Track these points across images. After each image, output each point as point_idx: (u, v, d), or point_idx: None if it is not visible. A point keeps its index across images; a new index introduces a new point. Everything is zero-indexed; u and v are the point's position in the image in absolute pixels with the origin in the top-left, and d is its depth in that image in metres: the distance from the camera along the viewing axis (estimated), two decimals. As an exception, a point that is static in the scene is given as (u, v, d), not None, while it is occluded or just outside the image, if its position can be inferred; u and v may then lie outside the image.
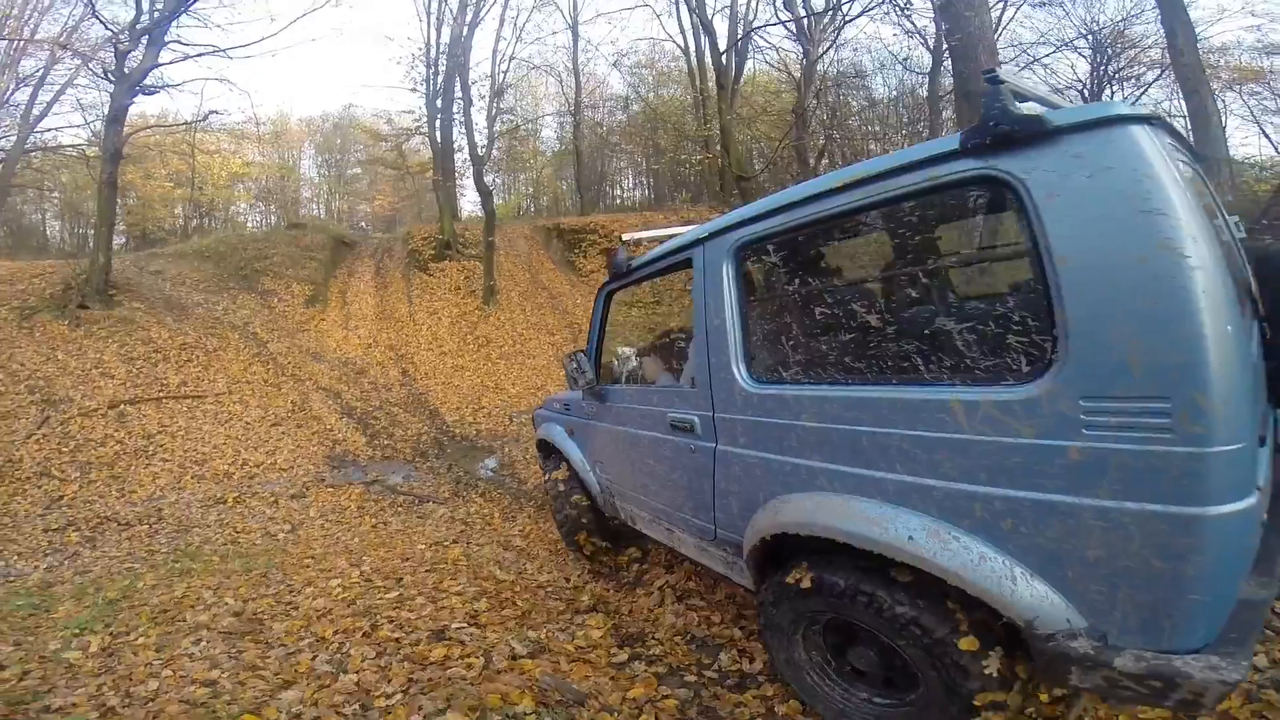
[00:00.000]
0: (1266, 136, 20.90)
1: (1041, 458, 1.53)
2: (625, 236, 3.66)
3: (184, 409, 10.38)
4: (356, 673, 2.56)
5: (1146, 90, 19.38)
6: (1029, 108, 1.64)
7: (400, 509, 7.77)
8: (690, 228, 2.72)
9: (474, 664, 2.54)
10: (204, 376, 11.41)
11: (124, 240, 26.08)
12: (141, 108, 26.63)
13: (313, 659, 2.81)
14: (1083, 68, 20.18)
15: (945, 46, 16.44)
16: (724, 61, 10.75)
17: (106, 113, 12.62)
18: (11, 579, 5.93)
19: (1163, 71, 18.00)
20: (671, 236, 2.34)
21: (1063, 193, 1.49)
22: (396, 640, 2.88)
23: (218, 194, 27.80)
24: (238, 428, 10.23)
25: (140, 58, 12.23)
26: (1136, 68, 18.79)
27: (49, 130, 21.33)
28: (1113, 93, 19.70)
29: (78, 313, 11.79)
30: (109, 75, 12.43)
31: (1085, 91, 19.57)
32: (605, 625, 3.11)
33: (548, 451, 4.58)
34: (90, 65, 13.29)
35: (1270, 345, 1.85)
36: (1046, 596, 1.58)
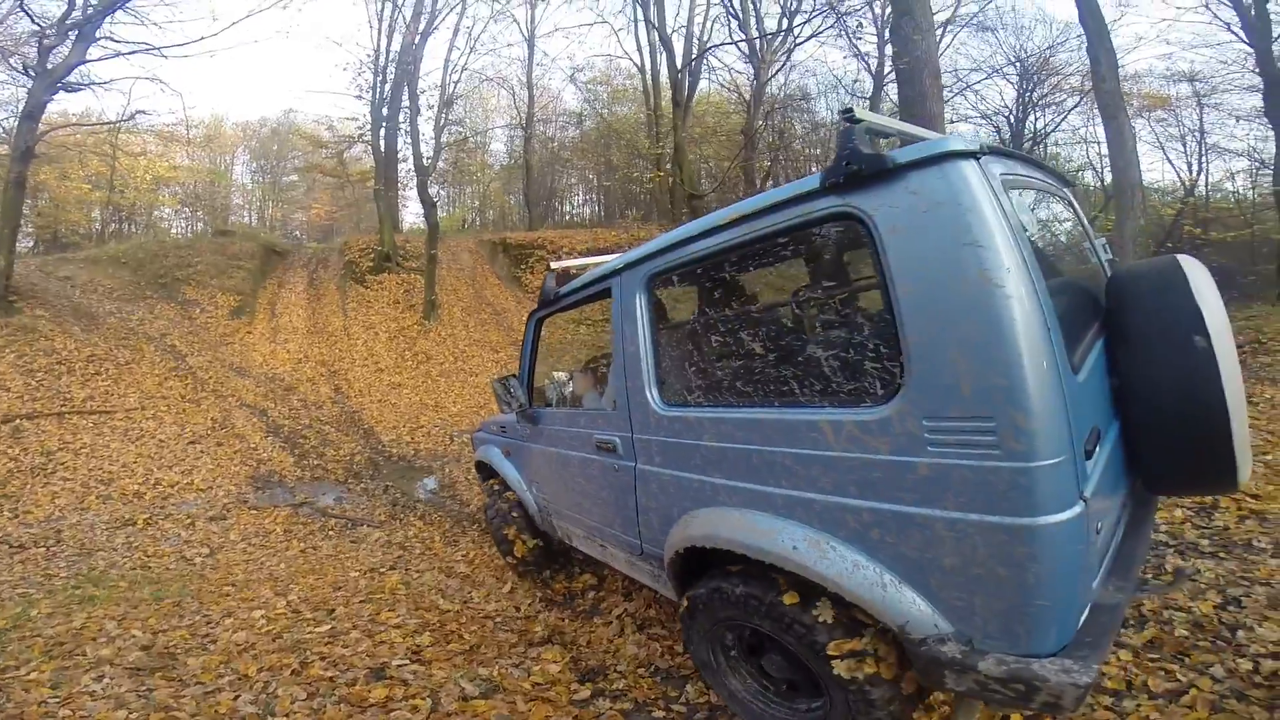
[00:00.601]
0: (1170, 162, 22.78)
1: (897, 473, 1.66)
2: (553, 265, 3.73)
3: (89, 425, 9.51)
4: (285, 716, 2.28)
5: (1066, 117, 21.07)
6: (887, 144, 1.77)
7: (331, 533, 7.27)
8: (611, 257, 2.83)
9: (420, 706, 2.29)
10: (114, 391, 10.52)
11: (32, 243, 24.08)
12: (61, 105, 24.85)
13: (235, 699, 2.50)
14: (1010, 94, 21.68)
15: (890, 71, 17.27)
16: (680, 79, 10.82)
17: (21, 109, 11.64)
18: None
19: (1081, 98, 19.54)
20: (597, 264, 2.38)
21: (903, 227, 1.62)
22: (330, 679, 2.59)
23: (139, 197, 26.01)
24: (150, 445, 9.45)
25: (67, 53, 11.39)
26: (1058, 94, 20.24)
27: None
28: (1036, 118, 21.28)
29: (-31, 319, 10.73)
30: (29, 70, 11.49)
31: (1011, 117, 21.01)
32: (563, 659, 2.90)
33: (487, 474, 4.69)
34: (9, 60, 12.29)
35: (1115, 362, 2.00)
36: (914, 603, 1.69)
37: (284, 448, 10.14)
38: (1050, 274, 1.70)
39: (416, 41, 15.88)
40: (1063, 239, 2.19)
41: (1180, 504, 3.59)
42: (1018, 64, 19.25)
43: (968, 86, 18.89)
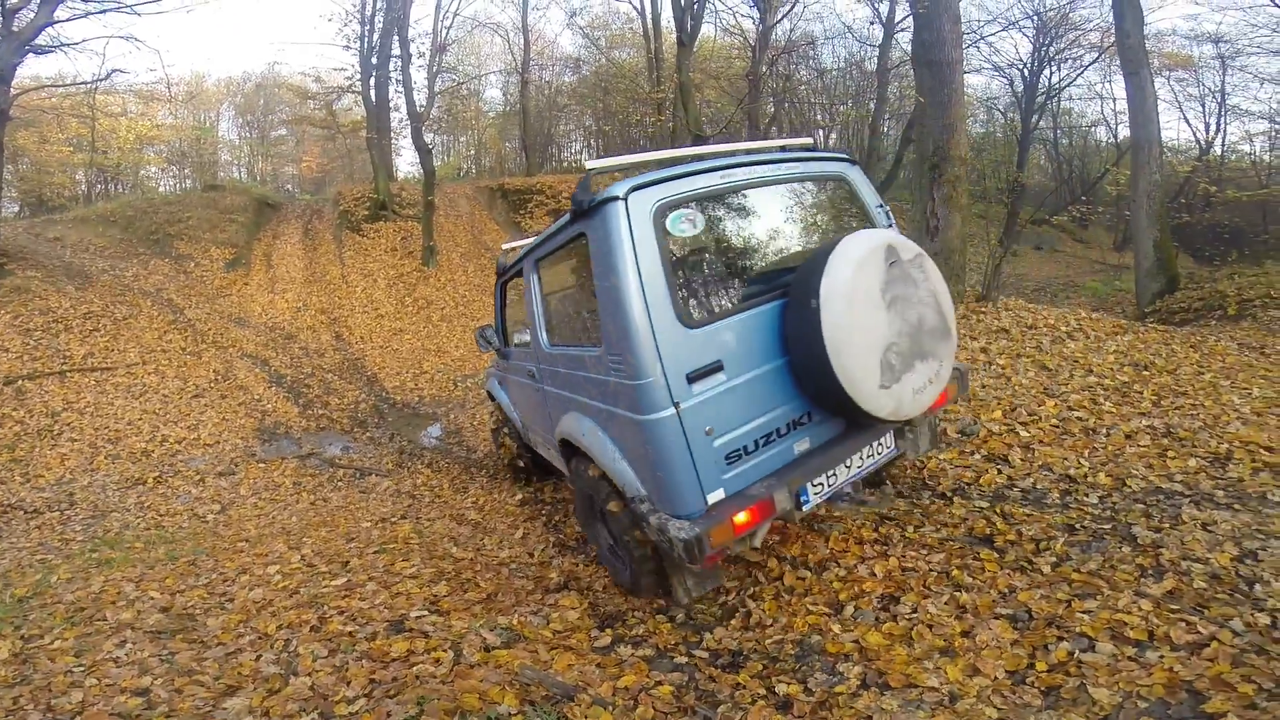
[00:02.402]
0: (1187, 121, 22.30)
1: (608, 386, 2.58)
2: (504, 246, 5.01)
3: (91, 383, 9.47)
4: (309, 675, 2.28)
5: (1083, 72, 20.38)
6: (614, 186, 2.45)
7: (340, 483, 7.32)
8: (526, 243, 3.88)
9: (443, 659, 2.29)
10: (113, 347, 10.43)
11: (17, 208, 23.54)
12: (35, 69, 23.74)
13: (256, 659, 2.51)
14: (1026, 47, 20.94)
15: (902, 19, 16.56)
16: (683, 17, 10.28)
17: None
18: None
19: (1100, 54, 19.05)
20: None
21: (595, 243, 2.49)
22: (350, 634, 2.60)
23: (124, 158, 25.24)
24: (154, 401, 9.42)
25: (34, 16, 10.83)
26: (1076, 49, 19.59)
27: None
28: (1051, 73, 20.56)
29: (-40, 281, 10.55)
30: None
31: (1025, 70, 20.30)
32: (580, 605, 2.91)
33: (493, 401, 5.93)
34: None
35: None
36: (627, 472, 2.58)
37: (288, 398, 10.13)
38: (690, 265, 2.55)
39: (404, -14, 15.11)
40: (739, 231, 2.76)
41: (1194, 454, 3.56)
42: (1035, 17, 18.42)
43: (981, 38, 18.13)
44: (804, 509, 2.49)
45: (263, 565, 3.81)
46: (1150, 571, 2.57)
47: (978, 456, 3.92)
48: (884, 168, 19.14)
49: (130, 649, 2.70)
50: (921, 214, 7.20)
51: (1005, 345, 5.70)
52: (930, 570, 2.79)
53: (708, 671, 2.42)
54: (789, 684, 2.29)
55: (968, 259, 7.59)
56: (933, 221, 7.07)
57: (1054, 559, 2.78)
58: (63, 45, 11.79)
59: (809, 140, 3.24)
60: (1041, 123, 22.72)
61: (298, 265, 15.19)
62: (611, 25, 25.54)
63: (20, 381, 9.06)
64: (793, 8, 13.23)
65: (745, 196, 2.73)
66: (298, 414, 9.68)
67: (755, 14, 12.60)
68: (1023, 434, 4.04)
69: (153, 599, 3.37)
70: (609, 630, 2.76)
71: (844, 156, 3.13)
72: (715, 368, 2.42)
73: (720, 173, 2.65)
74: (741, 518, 2.34)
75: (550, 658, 2.37)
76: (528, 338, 3.75)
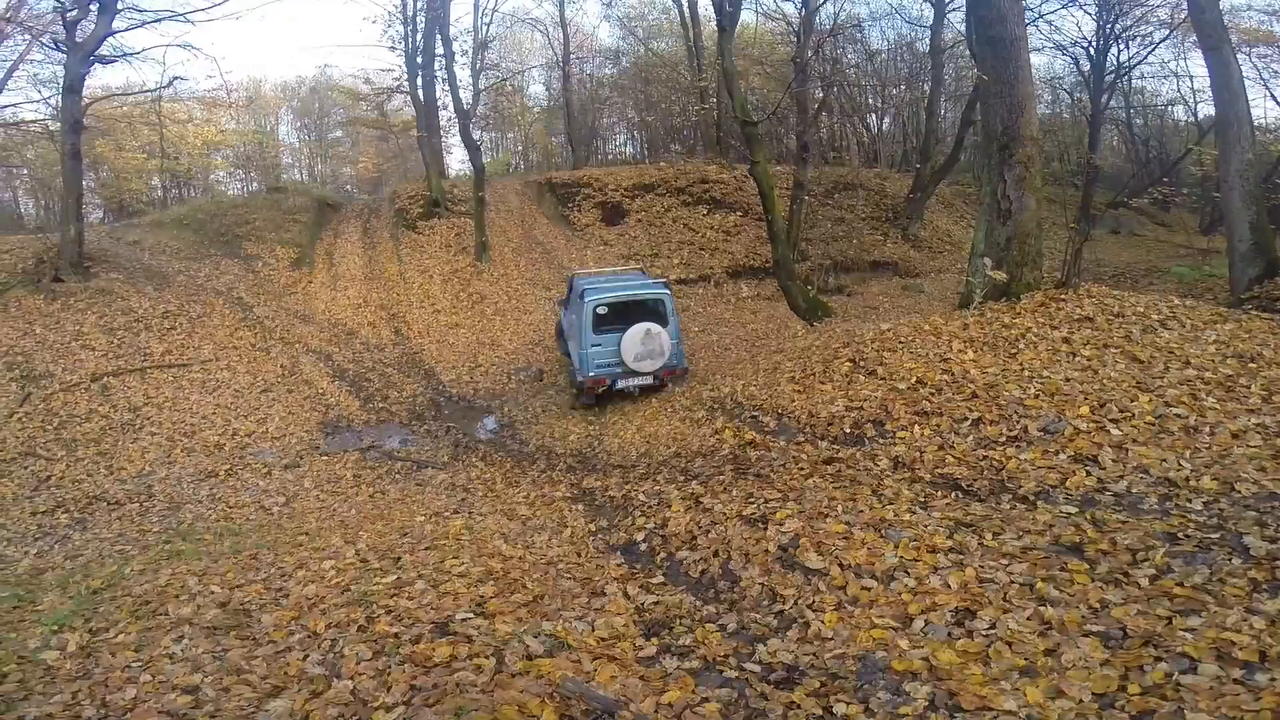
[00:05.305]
0: (1275, 98, 20.58)
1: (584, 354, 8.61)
2: (573, 271, 10.96)
3: (169, 378, 9.98)
4: (351, 678, 2.26)
5: (1154, 49, 19.42)
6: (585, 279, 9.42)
7: (398, 476, 7.48)
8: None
9: (484, 666, 2.23)
10: (188, 344, 10.97)
11: (101, 214, 25.17)
12: (105, 79, 25.35)
13: (303, 658, 2.52)
14: (1089, 25, 20.14)
15: None
16: (722, 2, 10.01)
17: (63, 84, 11.94)
18: (1, 566, 5.67)
19: (1171, 31, 18.05)
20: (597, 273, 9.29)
21: (573, 307, 9.12)
22: (395, 635, 2.58)
23: (193, 162, 26.62)
24: (226, 395, 9.86)
25: (93, 27, 11.50)
26: (1144, 26, 18.56)
27: (7, 106, 20.23)
28: (1119, 51, 19.62)
29: (52, 286, 11.27)
30: (60, 46, 11.68)
31: (1090, 49, 19.29)
32: (627, 611, 2.81)
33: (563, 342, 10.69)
34: (41, 38, 12.53)
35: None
36: (578, 369, 8.71)
37: (350, 391, 10.43)
38: (610, 317, 8.45)
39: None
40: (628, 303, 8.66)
41: None
42: None
43: (1039, 16, 17.12)
44: (615, 384, 8.41)
45: (319, 560, 3.87)
46: (1265, 586, 2.31)
47: (1063, 456, 3.61)
48: (943, 150, 18.28)
49: (186, 645, 2.76)
50: (992, 197, 6.78)
51: (1090, 335, 5.25)
52: (1011, 582, 2.56)
53: (759, 688, 2.25)
54: (849, 704, 2.11)
55: (1043, 244, 7.09)
56: (1004, 204, 6.63)
57: (1153, 571, 2.52)
58: (125, 55, 12.48)
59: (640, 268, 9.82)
60: (1112, 102, 21.70)
61: (357, 263, 15.65)
62: (648, 16, 25.48)
63: (106, 378, 9.62)
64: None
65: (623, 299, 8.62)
66: (359, 407, 9.97)
67: None
68: (1114, 432, 3.70)
69: (213, 593, 3.45)
70: (655, 639, 2.63)
71: (663, 283, 9.26)
72: (598, 341, 8.31)
73: (614, 293, 8.65)
74: (594, 380, 8.40)
75: (594, 668, 2.27)
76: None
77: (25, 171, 24.39)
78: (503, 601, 2.88)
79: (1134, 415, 3.82)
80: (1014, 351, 5.21)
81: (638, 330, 8.03)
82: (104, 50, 11.90)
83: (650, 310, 8.49)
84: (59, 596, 4.01)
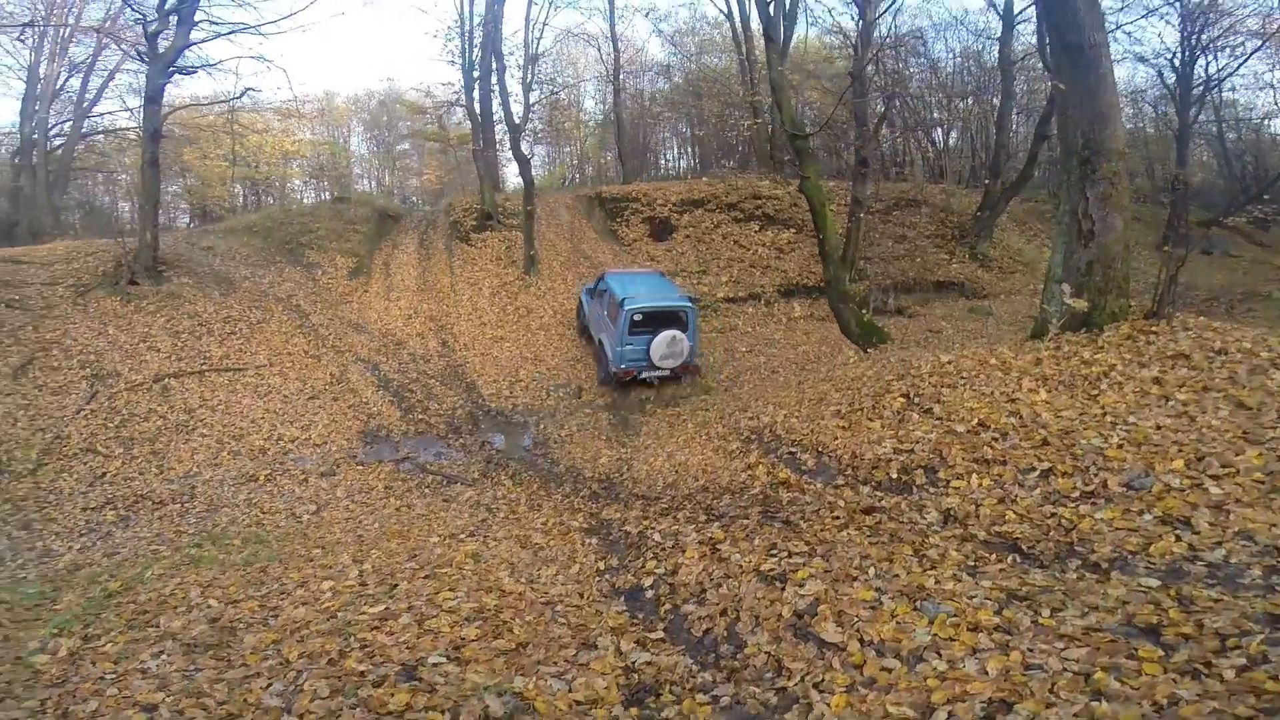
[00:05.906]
0: None
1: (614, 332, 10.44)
2: (607, 272, 12.50)
3: (225, 382, 10.34)
4: (300, 716, 2.11)
5: (1246, 60, 18.49)
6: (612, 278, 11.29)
7: (427, 490, 7.43)
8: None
9: (436, 724, 2.03)
10: (246, 349, 11.37)
11: (187, 218, 26.86)
12: (189, 89, 27.18)
13: (266, 687, 2.39)
14: (1171, 36, 19.24)
15: (1021, 10, 15.11)
16: (772, 15, 9.78)
17: (145, 94, 12.75)
18: (45, 560, 5.86)
19: (1264, 42, 17.27)
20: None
21: (603, 306, 11.66)
22: (361, 674, 2.42)
23: (271, 171, 28.17)
24: (276, 401, 10.13)
25: (172, 38, 12.21)
26: (1233, 36, 17.65)
27: (104, 114, 21.92)
28: (1207, 63, 18.72)
29: (128, 288, 11.91)
30: (143, 57, 12.42)
31: (1175, 61, 18.24)
32: (612, 671, 2.54)
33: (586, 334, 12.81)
34: (125, 48, 13.45)
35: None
36: (612, 361, 10.61)
37: (392, 401, 10.55)
38: (643, 322, 10.21)
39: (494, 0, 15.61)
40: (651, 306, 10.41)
41: None
42: (1177, 4, 16.44)
43: (1118, 27, 16.19)
44: (640, 374, 10.30)
45: (320, 580, 3.77)
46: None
47: (1149, 517, 3.16)
48: (1015, 166, 17.34)
49: (163, 661, 2.69)
50: (1072, 216, 6.09)
51: (1186, 375, 4.60)
52: (1063, 670, 2.16)
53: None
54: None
55: (1130, 268, 6.40)
56: (1086, 224, 5.94)
57: (1242, 661, 2.09)
58: (205, 66, 13.24)
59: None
60: (1201, 116, 20.43)
61: (412, 274, 16.00)
62: (699, 31, 25.39)
63: (167, 380, 10.04)
64: (895, 2, 12.26)
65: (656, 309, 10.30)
66: (399, 418, 10.06)
67: (854, 11, 11.80)
68: (1213, 491, 3.22)
69: (210, 607, 3.40)
70: (636, 708, 2.35)
71: (688, 298, 11.08)
72: (631, 341, 10.06)
73: (649, 302, 10.35)
74: (624, 370, 10.25)
75: (556, 739, 2.02)
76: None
77: (124, 177, 26.35)
78: (482, 647, 2.68)
79: (1238, 471, 3.30)
80: (1094, 392, 4.65)
81: (665, 335, 10.05)
82: (183, 61, 12.62)
83: (676, 319, 10.37)
84: (76, 597, 4.06)
